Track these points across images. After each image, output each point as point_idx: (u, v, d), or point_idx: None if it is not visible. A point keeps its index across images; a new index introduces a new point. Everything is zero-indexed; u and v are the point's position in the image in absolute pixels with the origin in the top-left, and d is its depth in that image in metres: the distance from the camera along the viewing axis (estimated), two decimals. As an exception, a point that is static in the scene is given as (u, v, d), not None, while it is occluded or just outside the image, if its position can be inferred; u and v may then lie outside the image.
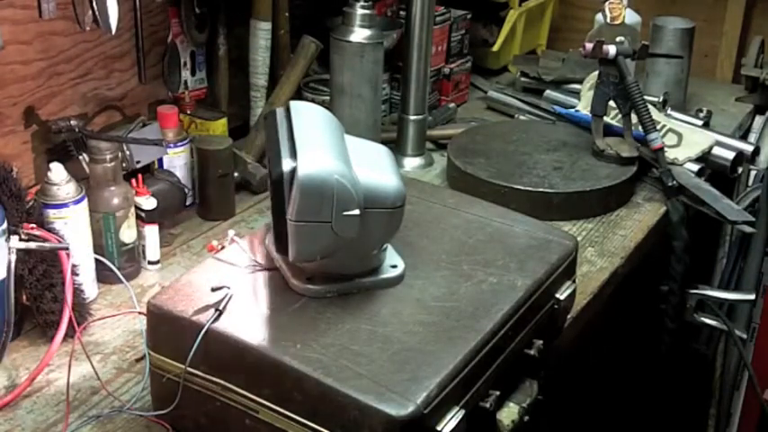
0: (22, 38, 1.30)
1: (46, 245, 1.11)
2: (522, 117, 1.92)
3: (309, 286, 1.00)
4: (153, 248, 1.33)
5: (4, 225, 1.09)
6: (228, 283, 0.98)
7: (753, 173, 1.96)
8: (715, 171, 1.70)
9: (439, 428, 0.89)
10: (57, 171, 1.18)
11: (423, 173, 1.69)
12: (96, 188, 1.24)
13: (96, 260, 1.22)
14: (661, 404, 1.99)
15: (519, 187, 1.51)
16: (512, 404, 1.04)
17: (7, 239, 1.10)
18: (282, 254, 0.99)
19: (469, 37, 2.02)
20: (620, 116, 1.67)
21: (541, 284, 1.08)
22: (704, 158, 1.70)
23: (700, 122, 1.84)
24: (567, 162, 1.62)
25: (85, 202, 1.21)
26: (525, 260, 1.11)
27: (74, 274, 1.13)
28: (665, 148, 1.64)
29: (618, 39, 1.59)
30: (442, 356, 0.92)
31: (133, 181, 1.31)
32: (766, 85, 2.05)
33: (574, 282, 1.18)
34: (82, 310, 1.16)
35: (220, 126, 1.53)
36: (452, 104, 1.95)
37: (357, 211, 0.95)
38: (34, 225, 1.13)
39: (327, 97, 1.67)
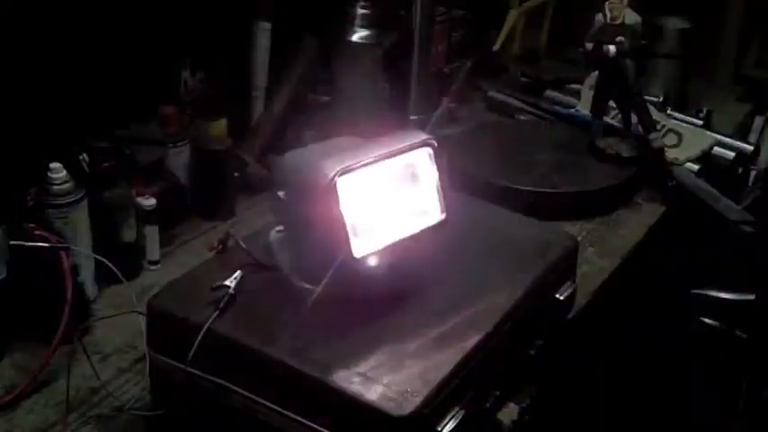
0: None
1: (46, 245, 1.11)
2: (522, 117, 1.92)
3: (310, 286, 1.00)
4: (153, 248, 1.33)
5: (5, 224, 1.09)
6: (228, 283, 0.98)
7: (753, 173, 1.96)
8: (715, 171, 1.70)
9: (439, 428, 0.89)
10: (57, 171, 1.18)
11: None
12: (96, 188, 1.24)
13: (96, 260, 1.22)
14: (661, 404, 1.98)
15: (519, 187, 1.51)
16: (512, 404, 1.04)
17: (7, 239, 1.10)
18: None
19: (470, 37, 2.02)
20: (620, 116, 1.67)
21: (541, 284, 1.09)
22: (704, 158, 1.70)
23: (700, 122, 1.84)
24: (566, 162, 1.62)
25: (85, 202, 1.21)
26: (525, 260, 1.11)
27: (74, 274, 1.13)
28: (665, 148, 1.64)
29: (618, 39, 1.59)
30: (442, 356, 0.92)
31: (133, 181, 1.31)
32: (766, 85, 2.05)
33: (574, 282, 1.18)
34: (82, 310, 1.16)
35: (220, 126, 1.53)
36: (452, 104, 1.95)
37: None
38: (34, 225, 1.13)
39: (327, 97, 1.67)
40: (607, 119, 1.70)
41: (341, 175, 0.93)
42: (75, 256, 1.15)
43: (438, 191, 1.04)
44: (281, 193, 0.96)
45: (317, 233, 0.95)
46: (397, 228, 1.00)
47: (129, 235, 1.29)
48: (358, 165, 0.95)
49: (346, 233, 0.94)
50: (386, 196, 1.00)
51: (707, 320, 1.86)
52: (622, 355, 1.66)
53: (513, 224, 1.19)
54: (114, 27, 1.40)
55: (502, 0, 2.15)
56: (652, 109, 1.64)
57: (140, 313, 1.03)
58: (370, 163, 0.96)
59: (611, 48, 1.58)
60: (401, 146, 1.01)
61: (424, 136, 1.05)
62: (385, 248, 0.98)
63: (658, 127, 1.64)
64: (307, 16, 1.72)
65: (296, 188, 0.96)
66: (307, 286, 0.99)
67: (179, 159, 1.45)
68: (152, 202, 1.31)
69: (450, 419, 0.90)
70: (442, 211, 1.05)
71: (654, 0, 2.13)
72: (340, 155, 0.96)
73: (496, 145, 1.69)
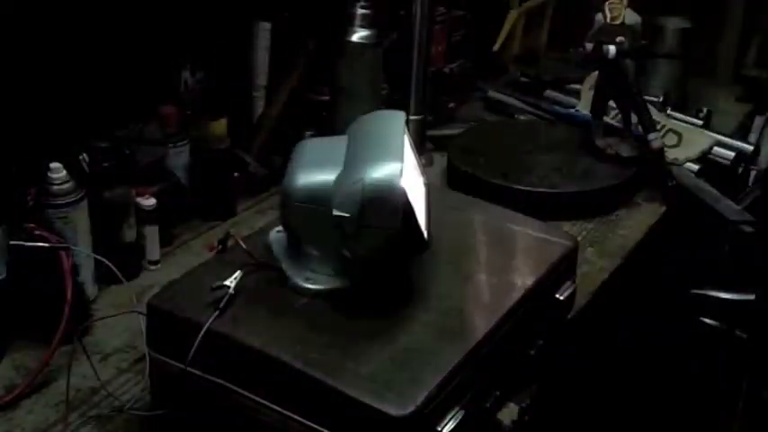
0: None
1: (46, 245, 1.11)
2: (521, 117, 1.92)
3: (310, 286, 1.00)
4: (153, 248, 1.33)
5: (4, 224, 1.09)
6: (228, 283, 0.98)
7: (753, 173, 1.96)
8: (715, 171, 1.70)
9: (439, 428, 0.89)
10: (57, 171, 1.18)
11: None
12: (96, 188, 1.24)
13: (96, 260, 1.22)
14: (661, 404, 1.98)
15: (519, 187, 1.51)
16: (512, 404, 1.04)
17: (7, 239, 1.10)
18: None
19: (470, 37, 2.02)
20: (620, 116, 1.67)
21: (541, 284, 1.08)
22: (704, 158, 1.70)
23: (700, 122, 1.84)
24: (567, 162, 1.62)
25: (85, 202, 1.21)
26: (525, 260, 1.11)
27: (74, 274, 1.13)
28: (665, 148, 1.64)
29: (618, 39, 1.59)
30: (442, 356, 0.92)
31: (133, 181, 1.31)
32: (766, 85, 2.05)
33: (574, 282, 1.18)
34: (82, 310, 1.16)
35: (220, 126, 1.53)
36: (452, 104, 1.95)
37: None
38: (34, 225, 1.13)
39: (327, 97, 1.67)
40: (607, 119, 1.70)
41: (401, 176, 0.94)
42: (75, 256, 1.15)
43: (417, 158, 1.06)
44: (337, 212, 0.94)
45: (390, 234, 0.95)
46: (419, 203, 1.01)
47: (129, 235, 1.29)
48: (400, 159, 0.96)
49: (420, 227, 0.96)
50: (409, 179, 1.01)
51: (707, 320, 1.86)
52: (622, 355, 1.66)
53: (512, 224, 1.19)
54: (114, 27, 1.40)
55: (502, 0, 2.15)
56: (652, 109, 1.64)
57: (140, 313, 1.03)
58: (402, 154, 0.97)
59: (611, 48, 1.58)
60: (402, 127, 1.02)
61: (398, 112, 1.06)
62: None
63: (658, 127, 1.64)
64: (307, 16, 1.72)
65: (361, 203, 0.94)
66: (309, 286, 1.00)
67: (179, 159, 1.45)
68: (152, 202, 1.31)
69: (450, 419, 0.90)
70: (424, 176, 1.07)
71: (654, 0, 2.13)
72: (373, 155, 0.96)
73: (496, 145, 1.69)
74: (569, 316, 1.21)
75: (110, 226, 1.26)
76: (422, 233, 0.98)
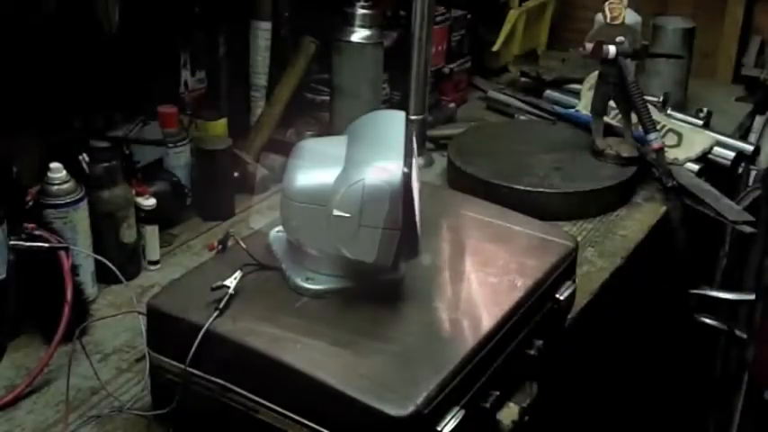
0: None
1: (46, 245, 1.11)
2: (522, 117, 1.92)
3: (310, 286, 1.00)
4: (153, 248, 1.33)
5: (4, 224, 1.10)
6: (228, 283, 0.98)
7: (753, 173, 1.96)
8: (715, 171, 1.70)
9: (439, 428, 0.89)
10: (57, 171, 1.18)
11: (423, 173, 1.69)
12: (96, 188, 1.24)
13: (96, 260, 1.22)
14: (661, 404, 1.99)
15: (519, 187, 1.51)
16: (512, 404, 1.04)
17: (7, 239, 1.10)
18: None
19: (470, 37, 2.02)
20: (620, 116, 1.67)
21: (541, 284, 1.09)
22: (704, 158, 1.70)
23: (700, 122, 1.84)
24: (567, 162, 1.62)
25: (85, 202, 1.21)
26: (525, 260, 1.11)
27: (74, 274, 1.13)
28: (665, 148, 1.64)
29: (618, 39, 1.59)
30: (442, 357, 0.92)
31: (133, 181, 1.31)
32: (766, 85, 2.05)
33: (574, 282, 1.18)
34: (82, 310, 1.16)
35: (220, 126, 1.53)
36: (452, 104, 1.95)
37: None
38: (34, 225, 1.13)
39: (327, 97, 1.67)
40: (607, 119, 1.70)
41: (401, 176, 0.94)
42: (75, 256, 1.15)
43: (416, 158, 1.05)
44: (337, 212, 0.94)
45: (390, 234, 0.95)
46: (417, 204, 1.01)
47: (129, 235, 1.29)
48: (400, 159, 0.96)
49: (416, 222, 0.97)
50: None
51: (707, 320, 1.86)
52: (622, 355, 1.66)
53: (513, 224, 1.19)
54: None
55: (502, 0, 2.15)
56: (652, 109, 1.64)
57: (140, 313, 1.03)
58: (402, 154, 0.97)
59: (611, 48, 1.58)
60: (402, 127, 1.02)
61: (398, 112, 1.06)
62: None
63: (658, 127, 1.64)
64: (306, 16, 1.72)
65: (361, 203, 0.94)
66: (309, 286, 1.00)
67: (179, 159, 1.45)
68: (152, 202, 1.31)
69: (450, 419, 0.90)
70: (419, 179, 1.07)
71: (654, 0, 2.13)
72: (373, 155, 0.96)
73: (496, 145, 1.69)
74: (569, 316, 1.21)
75: (110, 226, 1.26)
76: (418, 235, 0.98)
